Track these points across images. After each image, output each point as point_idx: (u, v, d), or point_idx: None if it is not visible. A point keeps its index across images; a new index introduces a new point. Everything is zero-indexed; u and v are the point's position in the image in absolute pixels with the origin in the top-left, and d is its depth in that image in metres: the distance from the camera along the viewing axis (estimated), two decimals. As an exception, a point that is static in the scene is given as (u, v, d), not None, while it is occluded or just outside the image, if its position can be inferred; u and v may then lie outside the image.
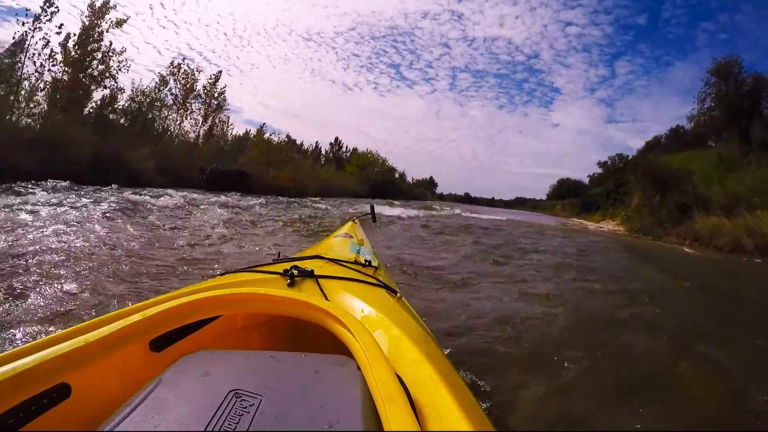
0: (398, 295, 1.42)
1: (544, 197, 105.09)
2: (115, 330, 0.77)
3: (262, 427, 0.58)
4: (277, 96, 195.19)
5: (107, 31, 24.39)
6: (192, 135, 30.95)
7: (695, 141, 38.39)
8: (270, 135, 39.83)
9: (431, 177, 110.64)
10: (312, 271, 1.26)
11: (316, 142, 63.12)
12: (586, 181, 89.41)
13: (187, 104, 29.84)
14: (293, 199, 20.78)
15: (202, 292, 0.95)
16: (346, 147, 61.81)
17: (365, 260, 1.82)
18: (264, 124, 55.72)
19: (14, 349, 0.71)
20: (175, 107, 29.53)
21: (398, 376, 0.66)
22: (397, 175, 69.50)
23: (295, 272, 1.24)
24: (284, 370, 0.73)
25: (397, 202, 29.47)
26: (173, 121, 29.81)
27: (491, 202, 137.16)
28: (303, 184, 30.66)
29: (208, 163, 24.58)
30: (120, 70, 25.21)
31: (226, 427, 0.57)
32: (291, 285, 1.19)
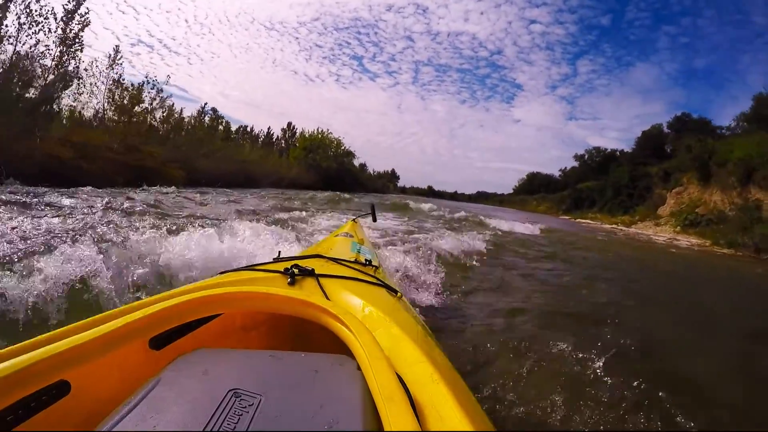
0: (399, 294, 1.42)
1: (510, 191, 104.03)
2: (114, 327, 0.76)
3: (261, 427, 0.58)
4: (238, 86, 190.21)
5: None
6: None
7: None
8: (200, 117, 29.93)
9: (393, 170, 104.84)
10: (312, 270, 1.25)
11: (269, 128, 53.38)
12: (557, 175, 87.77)
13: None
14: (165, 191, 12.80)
15: (202, 290, 0.95)
16: (302, 133, 50.52)
17: (366, 259, 1.83)
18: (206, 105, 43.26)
19: (14, 346, 0.70)
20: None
21: (398, 376, 0.66)
22: (356, 164, 57.93)
23: (296, 271, 1.22)
24: (284, 369, 0.73)
25: (353, 197, 18.99)
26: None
27: (454, 196, 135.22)
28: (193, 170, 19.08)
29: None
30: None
31: (225, 427, 0.57)
32: (291, 284, 1.17)
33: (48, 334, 0.77)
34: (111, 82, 20.15)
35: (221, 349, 0.82)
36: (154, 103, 22.35)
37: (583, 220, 38.89)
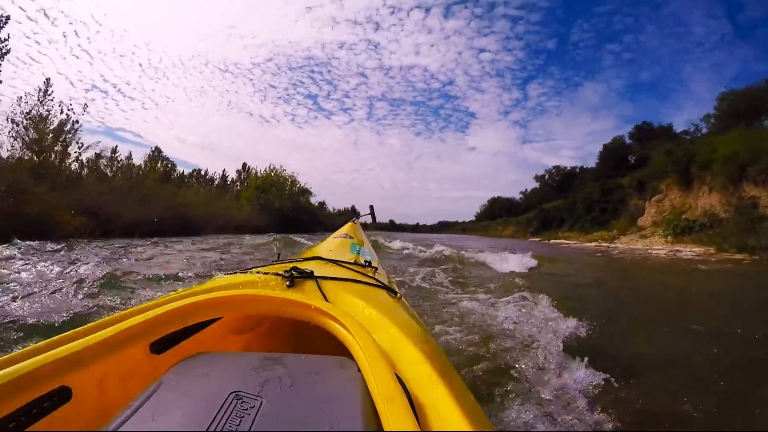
0: (398, 295, 1.40)
1: (472, 218, 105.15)
2: (115, 332, 0.77)
3: (262, 428, 0.58)
4: (194, 130, 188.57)
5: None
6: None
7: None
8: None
9: (353, 206, 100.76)
10: (312, 272, 1.23)
11: (223, 170, 49.94)
12: (518, 198, 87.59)
13: None
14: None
15: (202, 293, 0.97)
16: (255, 173, 46.49)
17: (365, 261, 1.82)
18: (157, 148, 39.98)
19: (15, 352, 0.70)
20: None
21: (398, 377, 0.66)
22: (315, 202, 53.94)
23: (295, 273, 1.21)
24: (284, 371, 0.73)
25: (307, 238, 15.87)
26: None
27: (416, 228, 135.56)
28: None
29: None
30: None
31: (226, 429, 0.57)
32: (291, 286, 1.15)
33: (49, 340, 0.76)
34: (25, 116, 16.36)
35: (222, 352, 0.83)
36: (67, 139, 18.39)
37: (557, 241, 36.91)
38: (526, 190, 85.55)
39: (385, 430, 0.54)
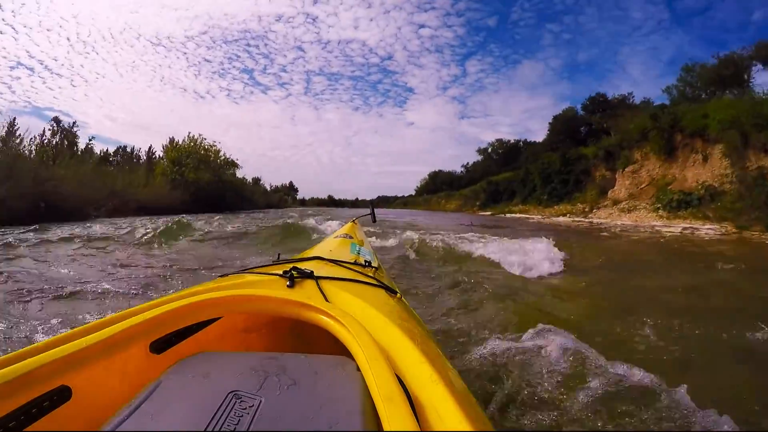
0: (398, 295, 1.40)
1: (412, 193, 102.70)
2: (115, 332, 0.77)
3: (261, 428, 0.58)
4: (125, 108, 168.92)
5: None
6: None
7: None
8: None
9: (290, 182, 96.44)
10: (312, 272, 1.22)
11: (149, 147, 43.14)
12: (459, 171, 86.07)
13: None
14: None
15: (202, 293, 0.96)
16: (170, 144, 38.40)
17: (365, 261, 1.80)
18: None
19: (14, 352, 0.71)
20: None
21: (398, 377, 0.65)
22: (242, 177, 46.68)
23: (295, 273, 1.20)
24: (284, 371, 0.74)
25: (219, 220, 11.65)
26: None
27: (355, 203, 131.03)
28: None
29: None
30: None
31: (225, 429, 0.57)
32: (291, 286, 1.14)
33: (48, 339, 0.77)
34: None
35: (221, 352, 0.83)
36: None
37: (514, 215, 34.20)
38: (467, 163, 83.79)
39: (384, 430, 0.53)
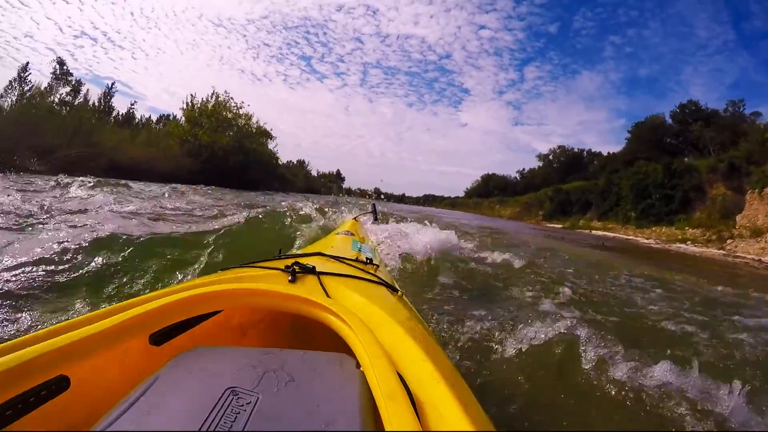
0: (399, 293, 1.40)
1: (460, 194, 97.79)
2: (115, 323, 0.76)
3: (257, 426, 0.58)
4: (185, 84, 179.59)
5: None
6: None
7: None
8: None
9: (338, 170, 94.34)
10: (313, 267, 1.22)
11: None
12: (514, 177, 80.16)
13: None
14: None
15: (202, 286, 0.96)
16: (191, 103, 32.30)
17: (366, 258, 1.79)
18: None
19: (13, 340, 0.70)
20: None
21: (399, 375, 0.65)
22: (274, 151, 39.66)
23: (297, 268, 1.19)
24: (282, 367, 0.73)
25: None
26: None
27: (401, 199, 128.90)
28: None
29: None
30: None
31: (221, 427, 0.57)
32: (292, 281, 1.14)
33: (48, 328, 0.75)
34: None
35: (220, 346, 0.81)
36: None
37: (598, 232, 28.56)
38: (523, 169, 77.92)
39: (385, 428, 0.53)
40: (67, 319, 0.84)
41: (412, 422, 0.52)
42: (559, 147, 67.74)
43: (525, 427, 1.70)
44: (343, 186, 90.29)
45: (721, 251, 17.74)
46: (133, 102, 32.52)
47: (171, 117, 32.37)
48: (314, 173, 64.16)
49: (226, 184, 20.68)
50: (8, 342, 0.69)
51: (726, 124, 30.16)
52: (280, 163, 45.33)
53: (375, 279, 1.38)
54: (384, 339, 0.82)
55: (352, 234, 2.53)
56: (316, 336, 1.19)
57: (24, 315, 1.96)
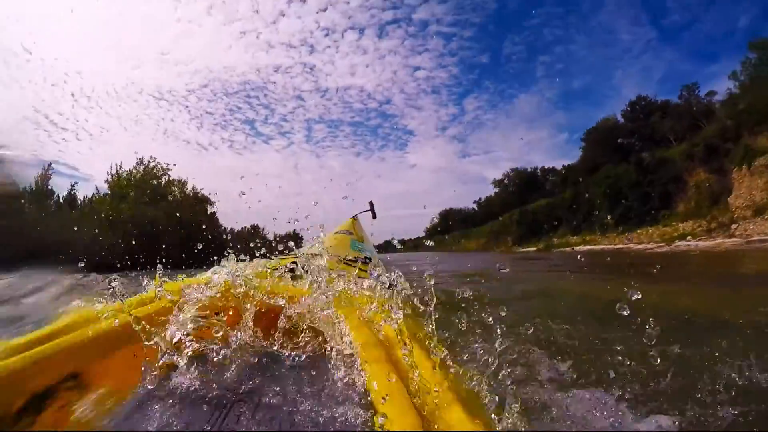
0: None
1: (421, 235, 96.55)
2: (126, 322, 0.78)
3: (259, 426, 0.59)
4: (129, 161, 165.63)
5: None
6: None
7: None
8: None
9: (294, 230, 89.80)
10: (313, 267, 1.22)
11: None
12: (471, 208, 79.21)
13: None
14: None
15: (206, 285, 0.99)
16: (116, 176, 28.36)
17: (365, 257, 1.87)
18: None
19: (26, 336, 0.72)
20: None
21: (398, 375, 0.65)
22: (214, 214, 33.63)
23: (296, 268, 1.23)
24: (283, 369, 0.76)
25: None
26: None
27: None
28: None
29: None
30: None
31: (224, 427, 0.58)
32: (293, 281, 1.16)
33: (60, 325, 0.77)
34: None
35: (223, 347, 0.84)
36: None
37: (582, 247, 26.49)
38: (480, 198, 77.59)
39: (386, 428, 0.53)
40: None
41: (413, 422, 0.52)
42: (513, 170, 67.95)
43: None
44: (303, 245, 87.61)
45: (733, 239, 15.74)
46: (73, 183, 28.72)
47: (98, 193, 28.11)
48: (271, 237, 60.77)
49: (168, 263, 17.25)
50: (20, 339, 0.70)
51: (684, 111, 29.52)
52: (232, 230, 41.62)
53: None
54: (383, 339, 0.81)
55: (351, 233, 2.52)
56: (317, 336, 1.16)
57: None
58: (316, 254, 1.51)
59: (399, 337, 0.88)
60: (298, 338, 1.30)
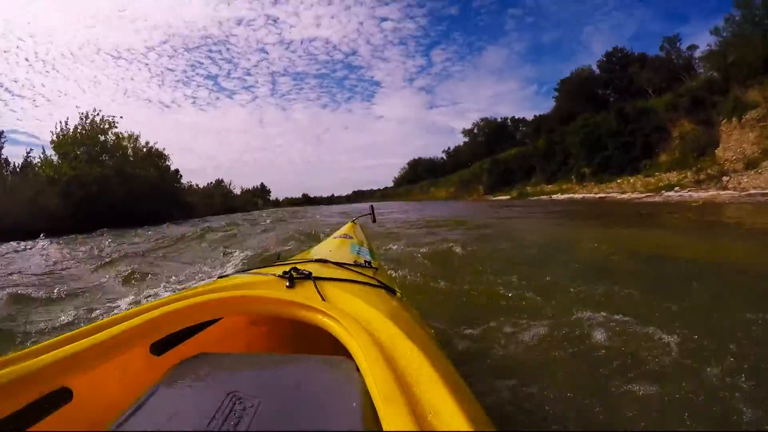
0: (398, 295, 1.39)
1: (390, 185, 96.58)
2: (115, 334, 0.77)
3: (260, 429, 0.59)
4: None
5: None
6: None
7: None
8: None
9: (261, 184, 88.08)
10: (311, 273, 1.22)
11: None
12: (440, 158, 78.26)
13: None
14: None
15: (201, 294, 0.97)
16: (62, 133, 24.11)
17: (365, 261, 1.81)
18: None
19: (15, 353, 0.70)
20: None
21: (397, 377, 0.65)
22: (174, 171, 33.39)
23: (295, 274, 1.19)
24: (283, 372, 0.75)
25: None
26: None
27: (331, 200, 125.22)
28: None
29: None
30: None
31: (224, 429, 0.58)
32: (290, 287, 1.13)
33: (49, 341, 0.76)
34: None
35: (221, 353, 0.83)
36: None
37: (560, 196, 26.22)
38: (449, 148, 76.78)
39: (384, 430, 0.53)
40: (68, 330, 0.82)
41: (410, 424, 0.52)
42: (482, 119, 66.66)
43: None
44: (270, 198, 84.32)
45: (727, 191, 15.49)
46: (29, 150, 26.06)
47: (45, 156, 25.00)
48: (238, 191, 57.94)
49: (111, 224, 15.51)
50: (10, 354, 0.68)
51: (663, 63, 28.96)
52: (195, 187, 39.10)
53: (373, 282, 1.37)
54: (382, 341, 0.80)
55: (351, 237, 2.48)
56: (315, 340, 1.15)
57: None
58: (309, 260, 1.51)
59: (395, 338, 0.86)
60: (298, 339, 1.30)
